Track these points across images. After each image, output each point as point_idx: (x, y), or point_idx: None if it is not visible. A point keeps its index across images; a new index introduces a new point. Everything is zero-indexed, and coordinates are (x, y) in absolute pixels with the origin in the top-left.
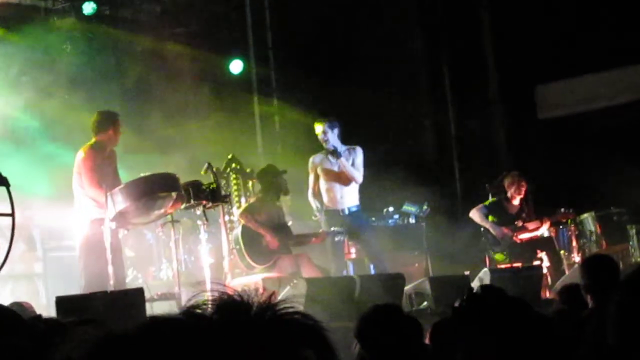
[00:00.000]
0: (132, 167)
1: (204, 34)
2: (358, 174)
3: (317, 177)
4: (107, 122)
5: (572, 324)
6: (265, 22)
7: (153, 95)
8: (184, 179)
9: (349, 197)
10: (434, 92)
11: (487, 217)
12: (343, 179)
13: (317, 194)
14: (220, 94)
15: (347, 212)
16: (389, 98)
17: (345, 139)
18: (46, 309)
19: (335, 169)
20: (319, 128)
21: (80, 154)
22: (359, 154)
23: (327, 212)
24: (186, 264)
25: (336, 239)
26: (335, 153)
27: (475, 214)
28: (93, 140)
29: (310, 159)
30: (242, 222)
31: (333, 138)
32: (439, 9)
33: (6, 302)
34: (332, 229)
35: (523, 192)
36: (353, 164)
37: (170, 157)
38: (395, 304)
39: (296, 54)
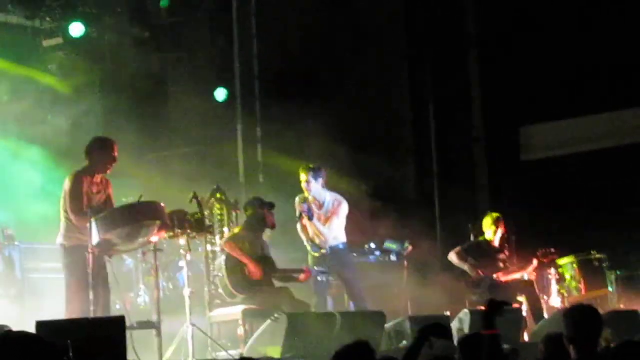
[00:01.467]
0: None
1: (191, 61)
2: (328, 233)
3: (302, 217)
4: (93, 147)
5: None
6: (252, 52)
7: (136, 120)
8: (163, 203)
9: (334, 235)
10: (418, 129)
11: (465, 258)
12: (325, 220)
13: (304, 228)
14: (205, 122)
15: (330, 251)
16: (373, 132)
17: (329, 175)
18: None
19: (315, 215)
20: (303, 176)
21: (66, 180)
22: (342, 211)
23: (313, 246)
24: (164, 291)
25: (319, 278)
26: (308, 217)
27: (453, 256)
28: (84, 165)
29: (297, 199)
30: (226, 250)
31: (316, 188)
32: (427, 46)
33: None
34: (316, 268)
35: (500, 234)
36: (336, 213)
37: (152, 183)
38: (364, 341)
39: (282, 85)
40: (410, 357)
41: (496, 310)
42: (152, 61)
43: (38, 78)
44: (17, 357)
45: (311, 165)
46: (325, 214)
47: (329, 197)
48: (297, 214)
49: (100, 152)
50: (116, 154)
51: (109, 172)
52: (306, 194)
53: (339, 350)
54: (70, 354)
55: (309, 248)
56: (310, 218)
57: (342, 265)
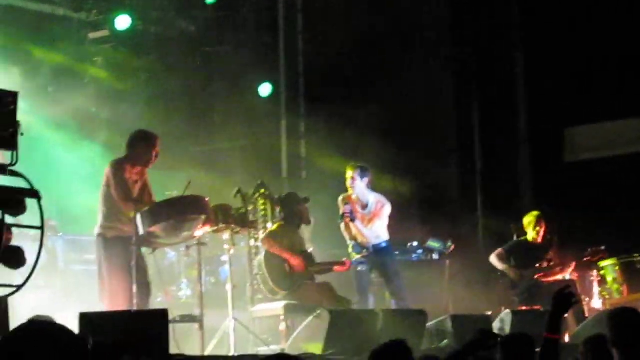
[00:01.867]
0: (156, 184)
1: (236, 55)
2: (370, 234)
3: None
4: (138, 140)
5: None
6: (297, 48)
7: (181, 113)
8: (207, 197)
9: (376, 235)
10: (462, 128)
11: (507, 259)
12: (367, 221)
13: (347, 227)
14: (248, 117)
15: (372, 249)
16: (417, 131)
17: (372, 171)
18: (65, 323)
19: (358, 215)
20: (349, 173)
21: (108, 168)
22: (384, 213)
23: (355, 245)
24: (206, 285)
25: (359, 268)
26: (351, 218)
27: (494, 259)
28: (124, 155)
29: (339, 198)
30: (265, 247)
31: (360, 186)
32: (472, 45)
33: (27, 315)
34: (356, 257)
35: (542, 234)
36: (379, 215)
37: (195, 177)
38: (401, 340)
39: (326, 81)
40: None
41: (565, 308)
42: (198, 55)
43: (84, 70)
44: (38, 348)
45: (359, 164)
46: (368, 214)
47: (372, 198)
48: (340, 213)
49: (142, 145)
50: (158, 149)
51: (150, 166)
52: (349, 191)
53: (376, 349)
54: (90, 345)
55: (350, 249)
56: (353, 220)
57: (384, 263)
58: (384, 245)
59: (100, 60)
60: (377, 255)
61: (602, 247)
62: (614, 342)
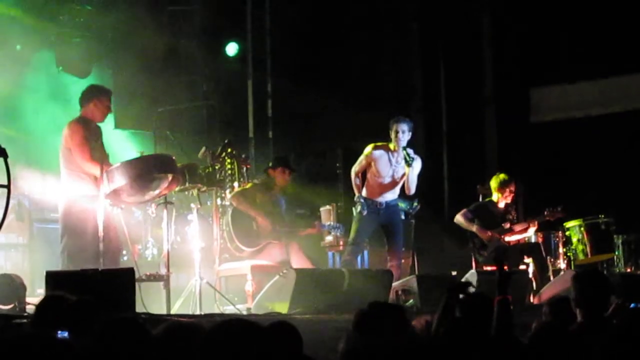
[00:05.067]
0: (122, 143)
1: (202, 14)
2: (414, 185)
3: (368, 165)
4: (89, 95)
5: (559, 337)
6: (264, 6)
7: (147, 72)
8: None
9: (391, 195)
10: (428, 88)
11: (472, 220)
12: (393, 179)
13: (361, 176)
14: (215, 76)
15: (384, 205)
16: (382, 90)
17: (338, 131)
18: (31, 280)
19: (391, 169)
20: (404, 125)
21: (66, 129)
22: (419, 165)
23: (367, 201)
24: (172, 245)
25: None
26: (408, 159)
27: (460, 219)
28: (79, 114)
29: (370, 148)
30: (234, 204)
31: (405, 139)
32: (439, 5)
33: None
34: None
35: (510, 196)
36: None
37: (162, 135)
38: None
39: (293, 40)
40: (444, 318)
41: (507, 279)
42: (165, 14)
43: (49, 29)
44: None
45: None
46: (402, 167)
47: (412, 152)
48: (362, 159)
49: (93, 100)
50: (108, 102)
51: (103, 120)
52: (393, 146)
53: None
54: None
55: (359, 206)
56: (410, 164)
57: (395, 219)
58: (392, 203)
59: (65, 18)
60: (388, 211)
61: (559, 208)
62: (578, 302)
